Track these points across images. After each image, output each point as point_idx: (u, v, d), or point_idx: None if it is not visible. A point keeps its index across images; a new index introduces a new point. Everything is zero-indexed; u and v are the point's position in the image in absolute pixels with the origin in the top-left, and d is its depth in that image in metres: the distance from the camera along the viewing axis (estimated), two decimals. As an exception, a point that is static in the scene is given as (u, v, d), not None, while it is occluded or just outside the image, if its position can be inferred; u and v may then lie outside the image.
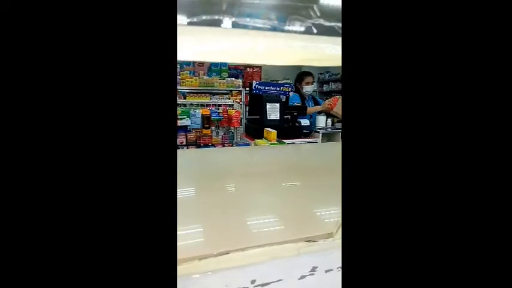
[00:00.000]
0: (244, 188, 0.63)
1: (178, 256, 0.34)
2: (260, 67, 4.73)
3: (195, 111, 2.90)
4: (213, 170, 0.84)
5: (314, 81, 2.57)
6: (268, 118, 2.42)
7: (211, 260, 0.34)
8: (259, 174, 0.77)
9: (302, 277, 0.41)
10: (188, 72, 4.08)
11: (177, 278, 0.34)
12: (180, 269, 0.33)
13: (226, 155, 1.18)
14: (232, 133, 3.19)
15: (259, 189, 0.62)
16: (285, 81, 4.85)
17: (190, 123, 2.92)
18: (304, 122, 2.48)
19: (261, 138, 2.08)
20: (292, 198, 0.58)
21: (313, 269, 0.42)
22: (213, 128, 3.04)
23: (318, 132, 2.70)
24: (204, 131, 2.95)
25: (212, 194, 0.59)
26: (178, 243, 0.39)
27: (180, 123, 2.84)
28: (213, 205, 0.53)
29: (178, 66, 4.00)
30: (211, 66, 5.09)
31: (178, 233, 0.43)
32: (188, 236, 0.42)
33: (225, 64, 5.11)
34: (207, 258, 0.34)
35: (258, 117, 2.46)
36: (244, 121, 3.15)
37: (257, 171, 0.81)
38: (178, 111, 2.83)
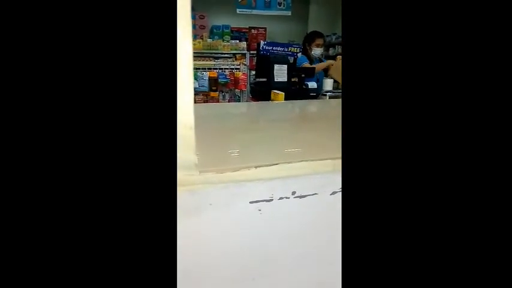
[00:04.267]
0: (285, 123, 0.77)
1: (238, 164, 0.41)
2: (265, 28, 4.55)
3: (203, 74, 2.88)
4: (255, 114, 0.94)
5: (324, 44, 2.49)
6: (275, 80, 2.41)
7: (263, 169, 0.41)
8: (291, 118, 0.89)
9: (333, 193, 0.48)
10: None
11: (231, 183, 0.41)
12: (237, 174, 0.40)
13: (255, 106, 1.27)
14: (239, 96, 3.19)
15: (297, 125, 0.71)
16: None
17: (197, 86, 2.92)
18: (312, 84, 2.47)
19: (268, 101, 2.10)
20: (329, 128, 0.66)
21: (342, 186, 0.49)
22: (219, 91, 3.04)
23: (325, 95, 2.71)
24: (212, 94, 2.96)
25: (262, 126, 0.77)
26: (240, 152, 0.46)
27: (186, 85, 2.84)
28: (265, 131, 0.69)
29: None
30: (213, 29, 4.90)
31: (240, 146, 0.50)
32: (249, 148, 0.50)
33: (227, 26, 4.91)
34: (261, 167, 0.40)
35: (265, 79, 2.45)
36: (248, 85, 3.13)
37: (287, 115, 0.90)
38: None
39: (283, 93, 2.03)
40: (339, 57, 2.27)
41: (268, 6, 4.35)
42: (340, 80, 2.46)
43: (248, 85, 3.15)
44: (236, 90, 3.15)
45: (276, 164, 0.41)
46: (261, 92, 2.38)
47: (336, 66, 2.33)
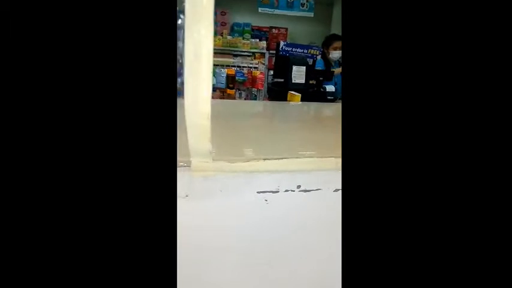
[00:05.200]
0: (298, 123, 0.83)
1: (250, 155, 0.44)
2: (286, 28, 4.56)
3: (221, 70, 2.94)
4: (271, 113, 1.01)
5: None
6: (293, 82, 2.42)
7: (271, 162, 0.44)
8: (308, 118, 0.94)
9: (336, 190, 0.51)
10: (212, 31, 4.01)
11: (241, 173, 0.45)
12: (247, 165, 0.44)
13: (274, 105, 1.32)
14: (255, 95, 3.23)
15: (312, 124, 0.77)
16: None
17: (215, 82, 2.98)
18: (330, 88, 2.47)
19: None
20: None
21: (346, 185, 0.51)
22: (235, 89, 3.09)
23: (342, 99, 2.69)
24: (228, 91, 3.01)
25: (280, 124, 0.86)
26: (252, 146, 0.49)
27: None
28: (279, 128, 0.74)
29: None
30: (234, 27, 4.96)
31: (256, 139, 0.54)
32: (260, 141, 0.55)
33: (248, 24, 4.96)
34: (269, 159, 0.44)
35: (282, 80, 2.47)
36: (265, 84, 3.17)
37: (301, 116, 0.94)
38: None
39: (300, 94, 2.05)
40: None
41: (290, 6, 4.35)
42: None
43: (265, 85, 3.18)
44: (253, 89, 3.18)
45: (284, 158, 0.44)
46: (277, 92, 2.41)
47: None
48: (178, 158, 0.41)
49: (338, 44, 2.39)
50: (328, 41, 2.45)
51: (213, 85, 3.07)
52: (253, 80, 3.08)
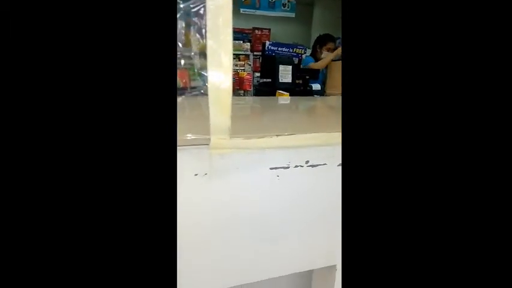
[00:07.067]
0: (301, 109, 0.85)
1: (262, 132, 0.48)
2: (269, 29, 4.65)
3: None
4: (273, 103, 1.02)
5: (334, 49, 2.43)
6: (280, 81, 2.48)
7: (283, 138, 0.48)
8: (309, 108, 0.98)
9: (339, 165, 0.55)
10: (195, 34, 4.02)
11: (256, 150, 0.48)
12: (261, 141, 0.47)
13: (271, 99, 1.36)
14: (243, 97, 3.27)
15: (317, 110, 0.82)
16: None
17: (201, 85, 2.99)
18: (316, 86, 2.55)
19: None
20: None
21: (348, 159, 0.56)
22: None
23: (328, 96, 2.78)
24: (216, 92, 3.02)
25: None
26: (264, 125, 0.51)
27: (193, 84, 2.91)
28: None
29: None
30: (216, 30, 5.00)
31: (267, 121, 0.59)
32: (270, 120, 0.59)
33: (230, 28, 5.02)
34: (281, 135, 0.48)
35: (269, 80, 2.53)
36: (252, 86, 3.22)
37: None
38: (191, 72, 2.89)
39: (288, 93, 2.10)
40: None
41: (272, 6, 4.44)
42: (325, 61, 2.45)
43: (252, 86, 3.23)
44: (240, 91, 3.22)
45: (294, 134, 0.48)
46: (265, 92, 2.46)
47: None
48: (200, 136, 0.44)
49: (331, 45, 2.40)
50: (322, 40, 2.44)
51: (199, 87, 3.06)
52: (241, 81, 3.11)
